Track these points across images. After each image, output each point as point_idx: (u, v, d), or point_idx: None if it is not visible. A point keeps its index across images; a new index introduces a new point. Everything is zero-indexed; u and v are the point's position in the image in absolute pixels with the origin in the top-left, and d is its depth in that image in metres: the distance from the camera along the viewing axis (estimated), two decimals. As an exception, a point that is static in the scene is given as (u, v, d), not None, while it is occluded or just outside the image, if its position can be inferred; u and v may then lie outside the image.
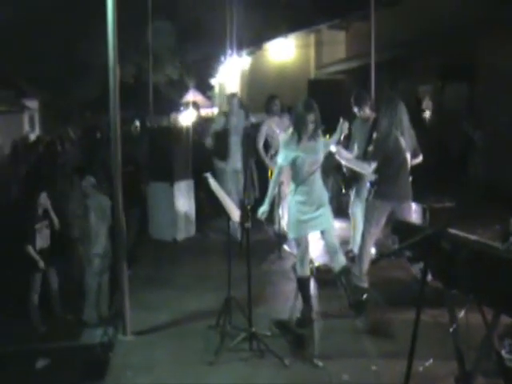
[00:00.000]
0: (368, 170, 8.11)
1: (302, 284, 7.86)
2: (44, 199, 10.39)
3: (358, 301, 7.78)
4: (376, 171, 8.03)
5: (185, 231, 12.69)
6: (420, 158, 8.67)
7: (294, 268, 9.86)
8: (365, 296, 7.84)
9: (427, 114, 20.52)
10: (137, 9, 23.39)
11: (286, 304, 8.36)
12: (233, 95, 12.66)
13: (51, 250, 10.54)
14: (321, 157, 7.67)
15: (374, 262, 8.74)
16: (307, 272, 7.86)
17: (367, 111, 9.74)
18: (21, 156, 19.51)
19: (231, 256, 7.52)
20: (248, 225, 7.08)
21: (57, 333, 9.92)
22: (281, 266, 10.35)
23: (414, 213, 9.03)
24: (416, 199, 8.88)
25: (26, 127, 38.30)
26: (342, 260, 7.80)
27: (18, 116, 38.20)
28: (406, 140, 8.01)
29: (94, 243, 10.19)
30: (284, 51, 25.19)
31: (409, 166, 8.21)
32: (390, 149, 7.87)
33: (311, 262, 9.50)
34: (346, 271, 7.81)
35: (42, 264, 10.18)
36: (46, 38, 35.58)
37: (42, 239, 10.38)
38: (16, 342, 9.53)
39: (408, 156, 8.14)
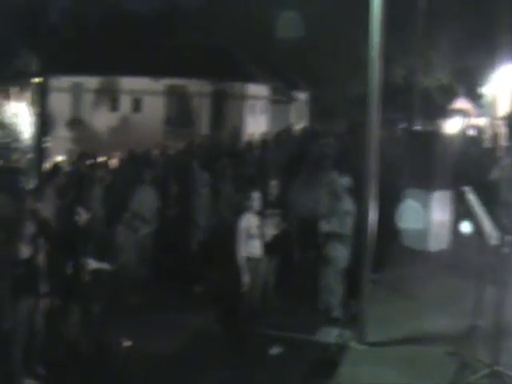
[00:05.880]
0: None
1: None
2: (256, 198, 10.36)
3: None
4: None
5: (438, 243, 12.14)
6: None
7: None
8: None
9: None
10: (411, 8, 22.92)
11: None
12: None
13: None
14: None
15: None
16: None
17: None
18: (283, 145, 19.99)
19: (486, 279, 6.89)
20: (506, 249, 6.54)
21: (295, 322, 9.90)
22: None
23: None
24: None
25: (293, 118, 39.54)
26: None
27: (286, 106, 39.60)
28: None
29: (337, 245, 10.02)
30: None
31: None
32: None
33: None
34: None
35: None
36: (318, 32, 36.48)
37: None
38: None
39: None
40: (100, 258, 8.42)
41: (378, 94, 7.49)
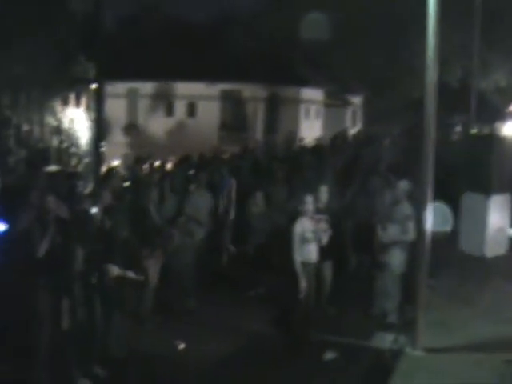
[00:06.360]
0: None
1: None
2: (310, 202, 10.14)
3: None
4: None
5: (496, 248, 11.90)
6: None
7: None
8: None
9: None
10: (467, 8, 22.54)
11: None
12: None
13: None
14: None
15: None
16: None
17: None
18: (338, 149, 19.89)
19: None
20: None
21: (349, 327, 9.79)
22: None
23: None
24: None
25: (348, 121, 39.31)
26: None
27: (341, 110, 39.39)
28: None
29: (396, 250, 9.89)
30: None
31: None
32: None
33: None
34: None
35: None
36: (372, 36, 36.19)
37: None
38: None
39: None
40: (128, 266, 8.34)
41: (435, 97, 7.39)
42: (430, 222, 8.22)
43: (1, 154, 26.23)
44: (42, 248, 7.66)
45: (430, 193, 7.71)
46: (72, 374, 7.64)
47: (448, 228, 9.75)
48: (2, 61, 25.54)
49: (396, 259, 9.69)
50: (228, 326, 9.51)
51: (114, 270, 8.09)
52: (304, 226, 9.41)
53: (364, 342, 9.08)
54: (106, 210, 8.64)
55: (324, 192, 10.21)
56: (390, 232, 9.69)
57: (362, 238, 10.72)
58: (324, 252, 9.76)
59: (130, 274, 8.27)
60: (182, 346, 8.88)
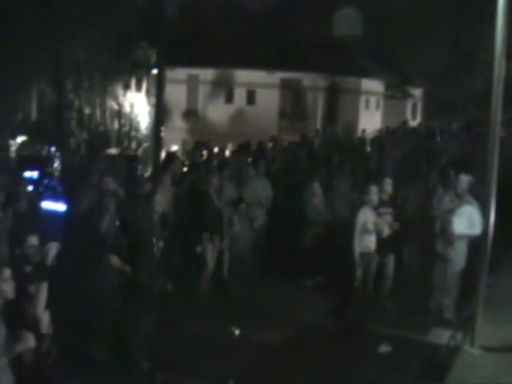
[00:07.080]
0: None
1: None
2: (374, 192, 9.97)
3: None
4: None
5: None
6: None
7: None
8: None
9: None
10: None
11: None
12: None
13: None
14: None
15: None
16: None
17: None
18: (399, 141, 19.69)
19: None
20: None
21: (405, 321, 9.66)
22: None
23: None
24: None
25: (408, 114, 38.80)
26: None
27: (401, 102, 38.90)
28: None
29: (457, 245, 9.71)
30: None
31: None
32: None
33: None
34: None
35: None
36: (435, 27, 35.64)
37: None
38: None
39: None
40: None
41: (502, 94, 7.22)
42: (492, 219, 8.06)
43: (63, 136, 26.72)
44: (102, 229, 7.78)
45: (494, 190, 7.53)
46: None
47: (476, 232, 9.41)
48: (66, 46, 25.98)
49: (459, 254, 9.53)
50: (283, 315, 9.53)
51: (115, 262, 7.85)
52: (366, 217, 9.40)
53: (420, 336, 8.99)
54: (132, 202, 8.50)
55: (388, 184, 10.14)
56: (457, 226, 9.52)
57: (417, 230, 10.60)
58: (386, 245, 9.75)
59: (126, 269, 7.80)
60: (236, 332, 8.93)
